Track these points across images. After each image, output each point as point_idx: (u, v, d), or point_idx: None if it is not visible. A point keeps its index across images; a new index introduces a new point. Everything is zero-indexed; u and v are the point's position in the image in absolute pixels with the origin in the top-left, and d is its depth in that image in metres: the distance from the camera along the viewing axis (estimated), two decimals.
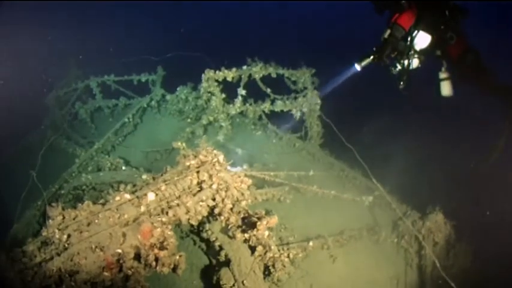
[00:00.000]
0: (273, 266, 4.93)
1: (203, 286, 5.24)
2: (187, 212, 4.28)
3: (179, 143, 5.22)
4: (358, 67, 6.93)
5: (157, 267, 3.95)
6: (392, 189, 6.77)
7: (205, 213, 4.41)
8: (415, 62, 6.93)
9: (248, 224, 4.53)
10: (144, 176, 5.30)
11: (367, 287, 6.08)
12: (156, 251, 3.89)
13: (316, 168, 6.73)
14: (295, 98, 7.13)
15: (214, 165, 4.51)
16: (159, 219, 4.09)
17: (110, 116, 9.34)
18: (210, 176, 4.44)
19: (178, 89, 8.22)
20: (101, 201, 4.59)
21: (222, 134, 6.88)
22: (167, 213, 4.19)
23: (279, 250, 4.99)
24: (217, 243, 4.95)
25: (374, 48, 6.88)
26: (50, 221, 4.24)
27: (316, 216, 6.41)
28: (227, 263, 4.80)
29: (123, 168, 7.04)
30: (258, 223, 4.37)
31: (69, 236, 4.12)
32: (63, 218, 4.24)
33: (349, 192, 6.60)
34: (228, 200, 4.40)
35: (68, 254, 3.95)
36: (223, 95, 6.97)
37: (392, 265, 6.41)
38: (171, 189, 4.35)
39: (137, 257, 3.99)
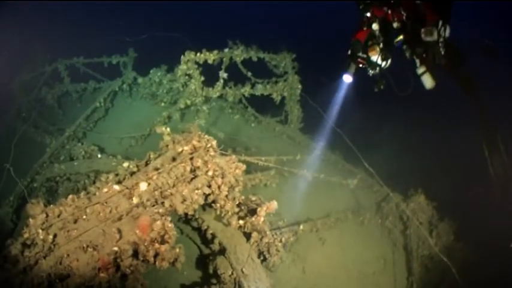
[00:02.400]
0: (268, 251, 4.73)
1: (195, 276, 4.95)
2: (184, 201, 3.92)
3: (163, 128, 4.82)
4: (348, 77, 6.70)
5: (157, 263, 3.58)
6: (375, 172, 6.72)
7: (201, 202, 4.04)
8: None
9: (246, 210, 4.26)
10: (125, 164, 4.86)
11: (356, 267, 6.01)
12: (156, 245, 3.50)
13: (298, 153, 6.54)
14: (276, 82, 6.87)
15: (208, 151, 4.16)
16: (156, 210, 3.71)
17: (78, 101, 8.73)
18: (205, 162, 4.08)
19: (151, 71, 7.72)
20: (83, 193, 4.15)
21: (203, 118, 6.50)
22: (163, 203, 3.80)
23: (272, 235, 4.80)
24: (209, 232, 4.65)
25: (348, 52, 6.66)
26: (31, 220, 3.69)
27: (302, 200, 6.25)
28: (222, 251, 4.51)
29: (99, 156, 6.52)
30: (259, 209, 4.10)
31: (55, 235, 3.61)
32: (47, 216, 3.70)
33: (333, 176, 6.49)
34: (224, 187, 4.08)
35: (56, 257, 3.48)
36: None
37: (379, 245, 6.42)
38: (164, 177, 3.94)
39: (135, 253, 3.60)
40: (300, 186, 6.20)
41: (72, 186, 6.20)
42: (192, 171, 4.08)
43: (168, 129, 4.75)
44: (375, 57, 6.34)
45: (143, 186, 3.82)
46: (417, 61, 6.73)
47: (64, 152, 7.00)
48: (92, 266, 3.49)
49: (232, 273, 4.31)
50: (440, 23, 6.15)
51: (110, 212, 3.65)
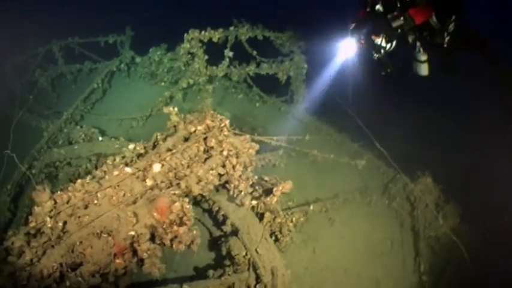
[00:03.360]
0: (280, 231, 4.67)
1: (205, 258, 4.87)
2: (199, 181, 3.80)
3: (171, 108, 4.67)
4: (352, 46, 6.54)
5: (174, 246, 3.48)
6: (381, 153, 6.66)
7: (216, 182, 3.93)
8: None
9: (261, 190, 4.17)
10: (131, 146, 4.72)
11: (365, 247, 5.99)
12: (175, 228, 3.38)
13: (304, 133, 6.45)
14: (282, 61, 6.74)
15: (222, 130, 4.03)
16: (172, 192, 3.59)
17: (73, 83, 8.49)
18: (220, 142, 3.95)
19: (150, 50, 7.50)
20: (88, 178, 4.01)
21: (210, 97, 6.36)
22: (179, 184, 3.68)
23: (284, 215, 4.75)
24: (221, 213, 4.56)
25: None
26: (37, 207, 3.55)
27: (310, 180, 6.18)
28: (234, 232, 4.41)
29: (100, 138, 6.34)
30: (275, 189, 4.01)
31: (65, 223, 3.46)
32: (55, 202, 3.54)
33: (340, 157, 6.43)
34: (239, 167, 3.96)
35: (68, 245, 3.34)
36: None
37: (386, 226, 6.41)
38: (177, 158, 3.80)
39: (152, 237, 3.49)
40: (307, 166, 6.13)
41: (73, 171, 5.96)
42: (206, 151, 3.96)
43: (176, 109, 4.61)
44: (379, 40, 6.25)
45: (157, 167, 3.69)
46: (419, 47, 6.65)
47: (62, 136, 6.76)
48: (107, 252, 3.37)
49: (246, 254, 4.23)
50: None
51: (124, 195, 3.50)
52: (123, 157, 4.47)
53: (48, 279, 3.30)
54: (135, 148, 4.58)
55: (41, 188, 3.66)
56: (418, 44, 6.56)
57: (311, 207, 5.49)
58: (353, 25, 6.30)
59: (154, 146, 4.56)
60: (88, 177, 3.97)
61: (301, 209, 5.42)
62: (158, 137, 4.62)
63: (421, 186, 6.46)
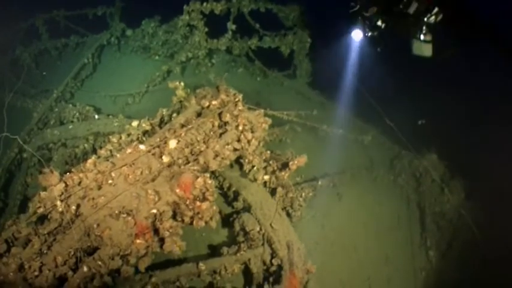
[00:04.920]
0: (291, 206, 4.86)
1: (214, 237, 5.05)
2: (216, 156, 3.95)
3: (177, 83, 4.79)
4: (358, 33, 6.70)
5: (194, 222, 3.63)
6: (386, 130, 6.89)
7: (233, 158, 4.09)
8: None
9: (275, 164, 4.35)
10: (134, 124, 4.83)
11: (372, 223, 6.24)
12: (198, 203, 3.53)
13: (308, 108, 6.60)
14: (285, 35, 6.86)
15: (236, 105, 4.17)
16: (192, 168, 3.73)
17: (58, 59, 8.44)
18: (235, 117, 4.09)
19: (143, 22, 7.49)
20: (93, 157, 4.05)
21: (213, 72, 6.45)
22: (197, 160, 3.82)
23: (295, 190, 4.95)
24: (232, 190, 4.73)
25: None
26: (43, 192, 3.58)
27: (317, 156, 6.35)
28: (247, 208, 4.58)
29: (96, 117, 6.38)
30: (290, 163, 4.19)
31: (78, 206, 3.51)
32: (66, 185, 3.57)
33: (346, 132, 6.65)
34: (255, 141, 4.12)
35: (82, 229, 3.38)
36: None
37: (392, 201, 6.64)
38: (193, 134, 3.94)
39: (173, 214, 3.62)
40: (313, 141, 6.32)
41: (70, 153, 5.92)
42: (220, 126, 4.10)
43: (182, 83, 4.73)
44: (375, 19, 6.40)
45: (173, 143, 3.79)
46: (425, 28, 6.80)
47: (54, 116, 6.66)
48: (128, 233, 3.42)
49: (260, 229, 4.40)
50: None
51: (141, 173, 3.59)
52: (129, 135, 4.59)
53: (63, 266, 3.36)
54: (139, 125, 4.69)
55: (48, 170, 3.67)
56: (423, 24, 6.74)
57: (319, 182, 5.67)
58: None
59: (161, 123, 4.69)
60: (93, 157, 4.05)
61: (310, 184, 5.57)
62: (164, 113, 4.74)
63: (426, 162, 6.72)
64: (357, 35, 6.51)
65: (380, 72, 8.37)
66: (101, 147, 5.28)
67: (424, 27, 6.71)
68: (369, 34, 6.54)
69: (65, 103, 6.92)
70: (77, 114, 6.44)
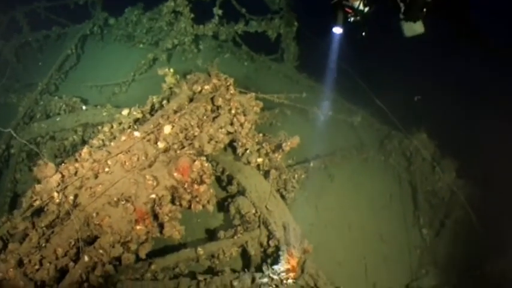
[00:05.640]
0: (285, 188, 5.03)
1: (209, 221, 5.20)
2: (210, 140, 4.10)
3: (166, 70, 4.92)
4: (338, 29, 6.84)
5: (192, 206, 3.79)
6: (375, 111, 7.10)
7: (226, 141, 4.25)
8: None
9: (268, 147, 4.50)
10: (124, 112, 4.94)
11: (365, 203, 6.46)
12: (196, 187, 3.69)
13: (296, 91, 6.76)
14: (272, 18, 6.97)
15: (228, 89, 4.32)
16: (188, 152, 3.88)
17: (39, 51, 8.46)
18: (228, 101, 4.24)
19: (126, 10, 7.54)
20: (86, 148, 4.08)
21: (201, 57, 6.57)
22: (191, 144, 3.96)
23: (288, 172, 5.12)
24: (226, 174, 4.88)
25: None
26: (37, 185, 3.68)
27: (307, 138, 6.51)
28: (241, 192, 4.73)
29: (84, 108, 6.47)
30: (284, 144, 4.35)
31: (75, 196, 3.62)
32: (62, 176, 3.69)
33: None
34: (247, 124, 4.28)
35: (81, 219, 3.50)
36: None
37: (383, 181, 6.86)
38: (186, 119, 4.08)
39: (172, 198, 3.75)
40: (303, 124, 6.50)
41: (59, 145, 6.01)
42: (213, 110, 4.25)
43: (172, 70, 4.85)
44: (356, 3, 6.54)
45: (167, 129, 3.93)
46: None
47: (39, 110, 6.75)
48: (127, 219, 3.55)
49: (256, 212, 4.56)
50: None
51: (138, 159, 3.74)
52: (120, 123, 4.71)
53: (64, 258, 3.46)
54: (130, 113, 4.82)
55: (43, 162, 3.79)
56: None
57: (311, 164, 5.85)
58: None
59: (151, 110, 4.82)
60: (88, 147, 4.17)
61: (302, 166, 5.75)
62: (154, 100, 4.87)
63: (416, 141, 6.95)
64: (337, 31, 6.65)
65: (367, 54, 8.56)
66: (90, 138, 5.41)
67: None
68: (352, 20, 6.68)
69: (50, 96, 6.97)
70: (64, 106, 6.50)
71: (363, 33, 6.70)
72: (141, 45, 7.43)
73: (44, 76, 7.25)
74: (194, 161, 3.63)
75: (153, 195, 3.57)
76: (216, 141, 4.05)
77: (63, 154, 5.91)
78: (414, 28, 6.77)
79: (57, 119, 6.25)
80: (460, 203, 6.67)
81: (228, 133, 4.18)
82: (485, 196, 6.60)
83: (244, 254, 4.63)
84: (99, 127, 5.33)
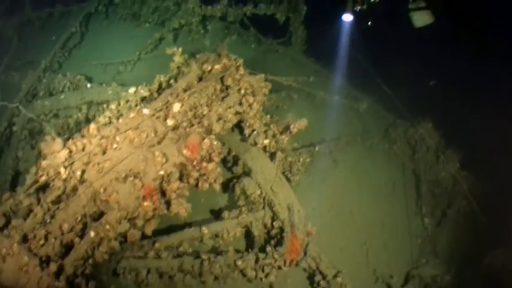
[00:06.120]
0: (290, 171, 5.15)
1: (214, 201, 5.32)
2: (219, 119, 4.20)
3: (175, 49, 5.00)
4: (348, 16, 6.92)
5: (199, 184, 3.89)
6: (380, 98, 7.20)
7: (235, 121, 4.35)
8: None
9: (276, 128, 4.61)
10: (131, 90, 5.04)
11: (368, 189, 6.58)
12: (204, 164, 3.79)
13: (303, 75, 6.83)
14: (280, 2, 7.02)
15: (238, 69, 4.41)
16: (198, 130, 3.97)
17: (41, 29, 8.48)
18: (237, 81, 4.34)
19: None
20: (93, 125, 4.12)
21: (209, 38, 6.64)
22: (200, 122, 4.05)
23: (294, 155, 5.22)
24: (232, 154, 4.97)
25: None
26: (43, 161, 3.73)
27: (313, 122, 6.61)
28: (247, 173, 4.84)
29: (88, 85, 6.53)
30: (292, 125, 4.45)
31: (82, 172, 3.68)
32: (70, 151, 3.75)
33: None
34: (256, 105, 4.38)
35: (88, 194, 3.56)
36: None
37: (387, 169, 6.98)
38: (196, 97, 4.19)
39: (179, 176, 3.84)
40: (309, 108, 6.59)
41: (62, 123, 6.10)
42: (222, 90, 4.35)
43: (181, 49, 4.93)
44: None
45: (177, 107, 4.02)
46: None
47: (43, 87, 6.76)
48: (135, 195, 3.62)
49: (261, 193, 4.68)
50: None
51: (147, 136, 3.81)
52: (127, 101, 4.80)
53: (69, 233, 3.53)
54: (136, 92, 4.91)
55: (51, 137, 3.87)
56: None
57: (316, 148, 5.96)
58: None
59: (159, 89, 4.91)
60: (93, 125, 4.21)
61: (307, 150, 5.87)
62: (162, 79, 4.96)
63: (421, 130, 7.08)
64: (347, 18, 6.73)
65: (375, 42, 8.62)
66: (94, 116, 5.49)
67: None
68: (359, 9, 6.75)
69: (53, 74, 6.97)
70: (68, 84, 6.52)
71: (369, 23, 6.78)
72: (147, 25, 7.43)
73: (47, 54, 7.22)
74: (204, 138, 3.71)
75: (162, 172, 3.64)
76: (225, 121, 4.13)
77: (67, 132, 5.94)
78: (424, 18, 6.85)
79: (61, 97, 6.29)
80: (463, 194, 6.71)
81: (237, 113, 4.26)
82: (488, 188, 6.72)
83: (248, 235, 4.73)
84: (105, 105, 5.42)
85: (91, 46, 7.74)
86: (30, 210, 3.58)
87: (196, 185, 3.80)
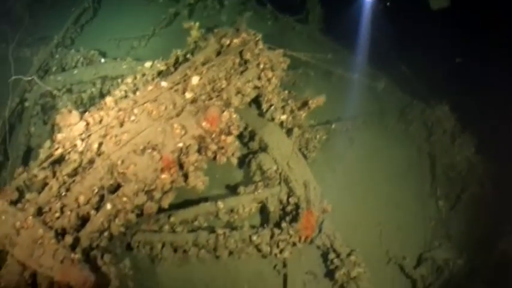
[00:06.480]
0: (306, 147, 5.19)
1: (229, 176, 5.38)
2: (238, 93, 4.24)
3: (191, 23, 5.03)
4: None
5: (217, 157, 3.94)
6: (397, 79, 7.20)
7: (253, 95, 4.39)
8: None
9: (293, 104, 4.65)
10: (147, 64, 5.08)
11: (384, 169, 6.60)
12: (223, 137, 3.84)
13: (320, 53, 6.82)
14: None
15: (257, 44, 4.44)
16: (217, 103, 4.01)
17: (50, 7, 8.47)
18: (257, 55, 4.36)
19: None
20: (110, 97, 4.16)
21: (225, 14, 6.65)
22: (219, 96, 4.09)
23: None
24: (248, 130, 4.99)
25: None
26: (59, 134, 3.78)
27: (329, 100, 6.63)
28: (263, 148, 4.89)
29: (102, 60, 6.57)
30: (310, 101, 4.49)
31: (100, 144, 3.73)
32: (87, 124, 3.80)
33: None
34: (275, 80, 4.41)
35: (106, 167, 3.61)
36: None
37: (403, 149, 6.99)
38: (214, 71, 4.22)
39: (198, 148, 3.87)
40: (325, 86, 6.61)
41: (75, 98, 6.12)
42: (241, 64, 4.38)
43: (198, 23, 4.96)
44: None
45: (195, 80, 4.06)
46: None
47: (55, 63, 6.81)
48: (153, 167, 3.66)
49: (277, 169, 4.73)
50: None
51: (165, 109, 3.86)
52: (143, 75, 4.84)
53: (85, 206, 3.58)
54: (152, 66, 4.95)
55: (67, 110, 3.91)
56: None
57: (333, 126, 6.00)
58: None
59: (175, 63, 4.94)
60: (109, 98, 4.21)
61: (324, 127, 5.92)
62: (178, 54, 4.99)
63: (438, 112, 7.08)
64: None
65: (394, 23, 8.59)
66: (109, 91, 5.52)
67: None
68: None
69: (65, 49, 7.00)
70: (81, 59, 6.57)
71: (387, 3, 6.76)
72: (161, 0, 7.40)
73: (58, 30, 7.24)
74: (223, 111, 3.75)
75: (180, 144, 3.69)
76: (243, 95, 4.16)
77: (80, 107, 5.98)
78: (440, 1, 6.82)
79: (75, 72, 6.36)
80: (478, 178, 6.72)
81: (255, 87, 4.29)
82: (503, 173, 6.66)
83: (263, 211, 4.79)
84: (119, 80, 5.46)
85: (104, 22, 7.73)
86: (45, 184, 3.63)
87: (214, 158, 3.82)
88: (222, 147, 3.78)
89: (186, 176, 3.82)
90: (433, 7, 6.88)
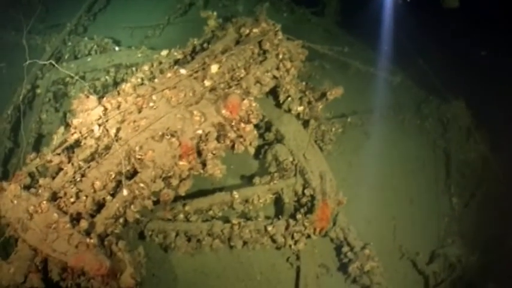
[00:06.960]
0: (322, 140, 5.26)
1: (244, 167, 5.36)
2: (256, 82, 4.31)
3: (209, 12, 5.10)
4: None
5: (235, 146, 4.01)
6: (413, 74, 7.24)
7: (272, 85, 4.46)
8: None
9: (311, 95, 4.72)
10: (163, 53, 5.16)
11: (399, 164, 6.66)
12: (242, 125, 3.92)
13: (336, 46, 6.87)
14: None
15: (276, 34, 4.52)
16: (237, 91, 4.09)
17: None
18: (276, 46, 4.44)
19: None
20: (129, 83, 4.25)
21: (241, 3, 6.72)
22: (238, 84, 4.16)
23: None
24: (264, 120, 5.04)
25: None
26: (75, 119, 3.83)
27: (345, 93, 6.68)
28: (279, 139, 4.97)
29: (116, 49, 6.65)
30: (328, 93, 4.56)
31: (117, 130, 3.79)
32: (105, 109, 3.86)
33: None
34: (293, 70, 4.48)
35: (123, 152, 3.66)
36: None
37: (418, 145, 7.02)
38: (233, 60, 4.30)
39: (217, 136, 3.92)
40: (341, 79, 6.66)
41: (89, 86, 6.05)
42: (260, 54, 4.45)
43: (215, 13, 5.04)
44: None
45: (214, 68, 4.14)
46: None
47: (68, 50, 6.88)
48: (171, 154, 3.73)
49: (293, 160, 4.80)
50: None
51: (185, 96, 3.94)
52: (160, 63, 4.93)
53: (101, 191, 3.62)
54: (168, 54, 5.03)
55: (84, 95, 3.96)
56: None
57: (348, 119, 6.07)
58: None
59: (192, 52, 5.03)
60: (128, 84, 4.32)
61: (340, 120, 5.98)
62: (195, 42, 5.07)
63: (454, 109, 7.11)
64: None
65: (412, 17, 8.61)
66: (123, 79, 5.60)
67: None
68: None
69: (78, 37, 7.06)
70: (95, 47, 6.64)
71: None
72: None
73: (70, 18, 7.29)
74: (243, 99, 3.82)
75: (200, 131, 3.76)
76: (262, 84, 4.23)
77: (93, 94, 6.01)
78: (449, 2, 6.87)
79: (88, 59, 6.43)
80: (493, 176, 6.76)
81: (274, 77, 4.35)
82: None
83: (278, 202, 4.86)
84: (133, 68, 5.54)
85: (117, 10, 7.79)
86: (59, 169, 3.68)
87: (232, 147, 3.88)
88: (241, 136, 3.84)
89: (203, 164, 3.86)
90: (443, 5, 6.92)
